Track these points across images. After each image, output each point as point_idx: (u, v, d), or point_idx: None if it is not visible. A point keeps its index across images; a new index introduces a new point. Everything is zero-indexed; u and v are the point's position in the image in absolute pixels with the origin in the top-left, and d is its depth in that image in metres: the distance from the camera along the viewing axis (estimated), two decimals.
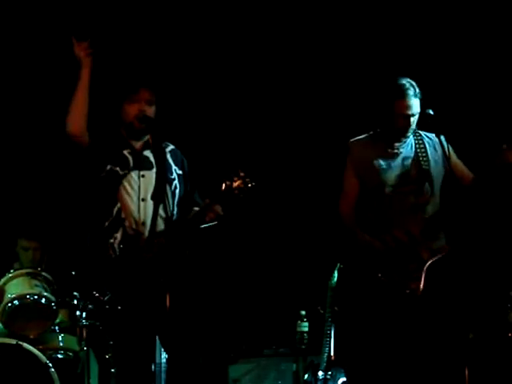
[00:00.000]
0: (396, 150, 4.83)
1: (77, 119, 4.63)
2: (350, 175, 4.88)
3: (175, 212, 4.72)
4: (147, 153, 4.77)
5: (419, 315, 4.68)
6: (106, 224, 4.64)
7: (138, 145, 4.77)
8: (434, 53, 6.21)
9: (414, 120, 4.73)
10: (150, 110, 4.74)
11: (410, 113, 4.70)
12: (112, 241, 4.62)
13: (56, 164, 6.28)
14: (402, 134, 4.79)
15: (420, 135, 4.85)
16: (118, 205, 4.65)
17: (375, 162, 4.82)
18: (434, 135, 4.82)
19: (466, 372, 4.34)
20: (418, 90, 4.73)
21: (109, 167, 4.67)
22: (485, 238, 5.97)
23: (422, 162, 4.79)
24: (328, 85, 6.51)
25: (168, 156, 4.82)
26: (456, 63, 6.22)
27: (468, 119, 6.08)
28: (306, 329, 5.90)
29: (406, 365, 4.68)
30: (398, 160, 4.83)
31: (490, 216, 5.91)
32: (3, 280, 5.62)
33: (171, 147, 4.87)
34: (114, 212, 4.65)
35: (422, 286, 4.63)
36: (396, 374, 4.72)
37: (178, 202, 4.77)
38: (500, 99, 6.04)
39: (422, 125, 4.80)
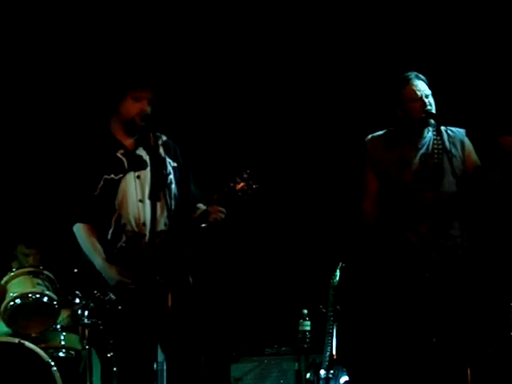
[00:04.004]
0: (415, 146, 4.79)
1: None
2: (369, 174, 4.85)
3: (173, 207, 4.69)
4: (140, 151, 4.74)
5: (423, 315, 4.67)
6: (109, 237, 4.64)
7: (129, 143, 4.74)
8: (439, 51, 6.20)
9: (429, 101, 4.70)
10: (149, 110, 4.73)
11: (419, 95, 4.69)
12: (116, 248, 4.61)
13: (57, 170, 6.29)
14: (425, 122, 4.73)
15: (440, 131, 4.74)
16: (117, 213, 4.64)
17: (393, 159, 4.77)
18: (459, 130, 4.80)
19: (468, 371, 4.34)
20: (419, 74, 4.74)
21: (104, 177, 4.65)
22: (487, 236, 5.96)
23: (436, 156, 4.75)
24: (332, 84, 6.51)
25: (161, 150, 4.79)
26: (460, 60, 6.23)
27: (472, 110, 6.07)
28: (308, 328, 5.90)
29: (408, 363, 4.68)
30: (417, 157, 4.78)
31: (493, 213, 5.89)
32: (5, 279, 5.62)
33: (164, 138, 4.84)
34: (113, 222, 4.63)
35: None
36: (398, 372, 4.71)
37: (174, 197, 4.74)
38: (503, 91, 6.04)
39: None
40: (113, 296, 4.50)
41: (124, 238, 4.60)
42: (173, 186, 4.75)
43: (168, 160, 4.77)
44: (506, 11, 6.08)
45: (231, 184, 4.56)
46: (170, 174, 4.76)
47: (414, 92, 4.70)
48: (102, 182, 4.63)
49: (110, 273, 4.54)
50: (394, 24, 6.33)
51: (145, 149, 4.74)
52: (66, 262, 5.72)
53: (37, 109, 6.44)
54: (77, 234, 4.67)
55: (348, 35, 6.42)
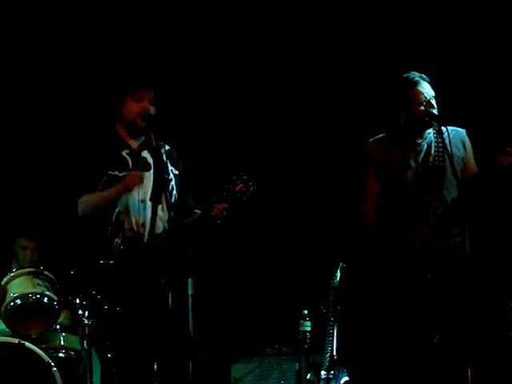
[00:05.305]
0: (417, 148, 4.78)
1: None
2: (371, 176, 4.85)
3: (172, 212, 4.70)
4: (145, 153, 4.77)
5: (423, 316, 4.67)
6: (108, 232, 4.63)
7: (135, 145, 4.77)
8: (440, 51, 6.20)
9: (434, 103, 4.69)
10: (152, 110, 4.74)
11: (425, 97, 4.68)
12: (113, 245, 4.62)
13: (57, 164, 6.29)
14: (427, 124, 4.72)
15: (441, 131, 4.69)
16: (117, 209, 4.64)
17: (395, 160, 4.77)
18: (459, 130, 4.80)
19: (469, 371, 4.33)
20: (423, 75, 4.73)
21: (108, 172, 4.66)
22: (488, 237, 5.95)
23: (437, 158, 4.74)
24: (333, 86, 6.51)
25: (164, 157, 4.81)
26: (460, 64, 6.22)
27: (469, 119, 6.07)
28: (309, 328, 5.90)
29: (408, 364, 4.67)
30: (418, 158, 4.78)
31: (492, 214, 5.89)
32: (6, 279, 5.62)
33: (167, 147, 4.87)
34: (113, 217, 4.64)
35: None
36: (398, 372, 4.71)
37: (174, 202, 4.76)
38: (500, 101, 6.04)
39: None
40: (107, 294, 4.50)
41: (121, 237, 4.60)
42: (174, 191, 4.78)
43: (170, 167, 4.81)
44: (506, 11, 6.08)
45: (230, 185, 4.56)
46: (171, 179, 4.78)
47: (422, 94, 4.69)
48: (105, 178, 4.65)
49: (122, 182, 4.57)
50: (395, 25, 6.32)
51: (149, 152, 4.76)
52: (63, 264, 5.73)
53: (39, 107, 6.45)
54: (81, 202, 4.67)
55: (349, 37, 6.41)
